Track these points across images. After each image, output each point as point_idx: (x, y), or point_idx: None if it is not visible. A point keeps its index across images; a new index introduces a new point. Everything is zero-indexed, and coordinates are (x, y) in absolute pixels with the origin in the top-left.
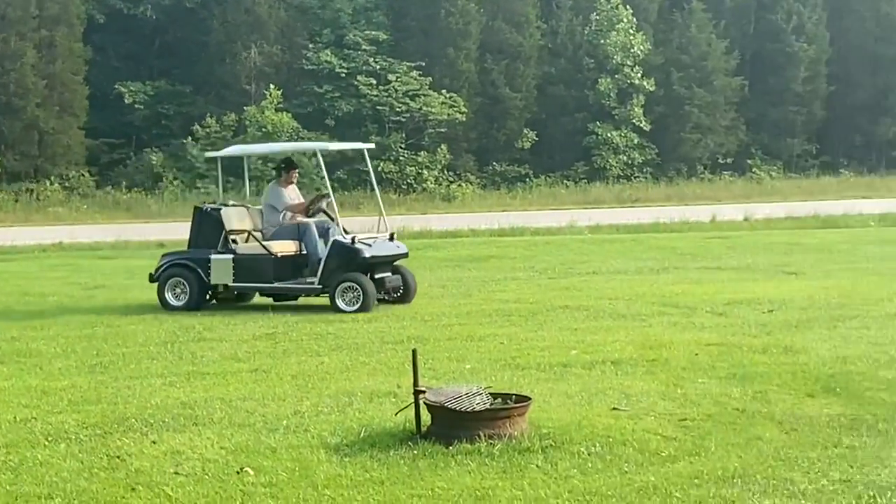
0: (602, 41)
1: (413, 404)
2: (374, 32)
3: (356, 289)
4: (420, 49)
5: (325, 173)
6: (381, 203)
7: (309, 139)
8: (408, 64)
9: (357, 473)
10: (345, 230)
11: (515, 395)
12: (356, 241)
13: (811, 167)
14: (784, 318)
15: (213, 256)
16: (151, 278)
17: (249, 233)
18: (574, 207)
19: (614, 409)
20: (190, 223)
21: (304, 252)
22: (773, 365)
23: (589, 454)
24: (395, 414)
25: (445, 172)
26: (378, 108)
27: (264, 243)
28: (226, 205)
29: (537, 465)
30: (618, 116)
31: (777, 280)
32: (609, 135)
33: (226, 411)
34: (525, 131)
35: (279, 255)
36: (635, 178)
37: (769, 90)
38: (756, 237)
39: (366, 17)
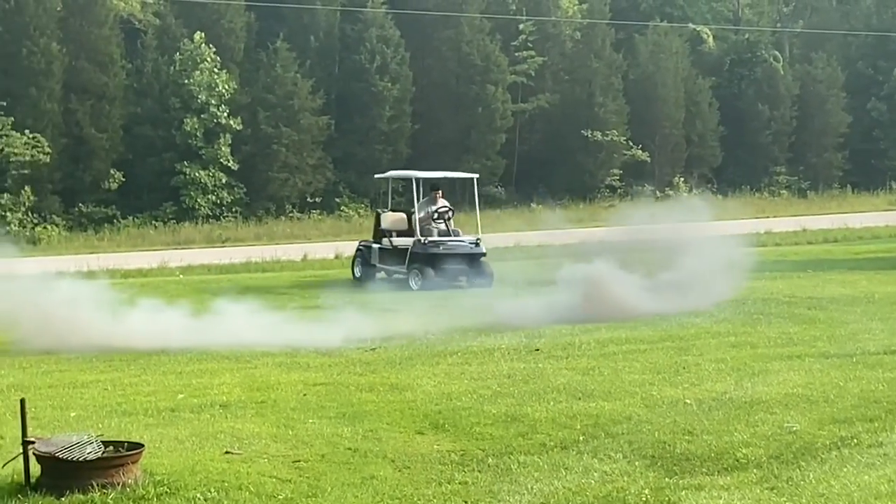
0: (186, 81)
1: (21, 455)
2: None
3: None
4: (0, 88)
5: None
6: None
7: None
8: None
9: None
10: None
11: (127, 442)
12: None
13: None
14: (387, 356)
15: None
16: None
17: None
18: (164, 248)
19: (227, 452)
20: None
21: None
22: (381, 403)
23: (205, 500)
24: (3, 466)
25: (30, 214)
26: None
27: None
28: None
29: None
30: (205, 156)
31: (377, 316)
32: (197, 174)
33: None
34: (112, 171)
35: None
36: (224, 217)
37: (355, 129)
38: (349, 273)
39: None
